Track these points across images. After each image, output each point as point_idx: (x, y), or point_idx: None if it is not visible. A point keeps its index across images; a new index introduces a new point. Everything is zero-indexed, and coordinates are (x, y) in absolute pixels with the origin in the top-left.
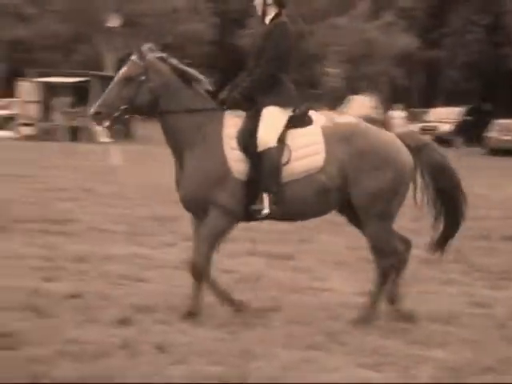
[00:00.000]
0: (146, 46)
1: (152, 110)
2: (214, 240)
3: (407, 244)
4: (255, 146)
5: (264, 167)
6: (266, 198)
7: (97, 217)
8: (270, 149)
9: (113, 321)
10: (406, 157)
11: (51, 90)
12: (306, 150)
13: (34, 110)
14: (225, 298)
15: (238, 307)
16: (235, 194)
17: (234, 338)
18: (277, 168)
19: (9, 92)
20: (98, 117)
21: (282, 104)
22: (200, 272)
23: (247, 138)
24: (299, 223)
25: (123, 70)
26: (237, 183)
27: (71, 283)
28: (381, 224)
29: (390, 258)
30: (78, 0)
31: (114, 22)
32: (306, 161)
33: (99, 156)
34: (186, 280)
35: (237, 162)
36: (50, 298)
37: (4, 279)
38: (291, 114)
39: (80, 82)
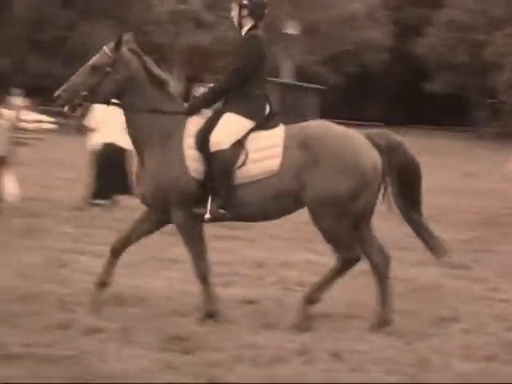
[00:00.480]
0: (124, 37)
1: (115, 100)
2: (194, 239)
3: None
4: (208, 146)
5: (214, 169)
6: (209, 201)
7: (274, 223)
8: (221, 150)
9: (289, 327)
10: (370, 158)
11: None
12: (264, 153)
13: None
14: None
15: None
16: (192, 194)
17: (410, 347)
18: (227, 170)
19: (186, 96)
20: (59, 101)
21: (244, 114)
22: (205, 276)
23: (202, 138)
24: (475, 233)
25: (93, 58)
26: (194, 182)
27: (248, 289)
28: (336, 223)
29: (348, 252)
30: None
31: (292, 28)
32: (261, 164)
33: None
34: (363, 288)
35: (193, 161)
36: (227, 303)
37: (182, 284)
38: (254, 123)
39: None
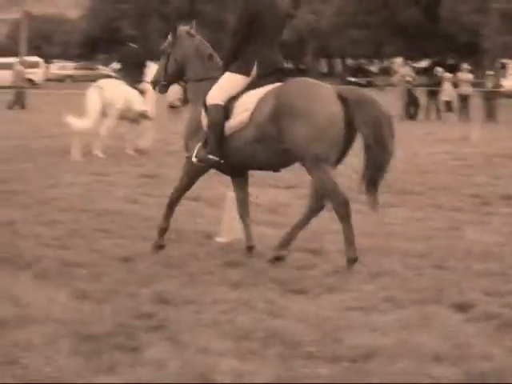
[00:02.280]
0: (182, 27)
1: (180, 77)
2: (186, 180)
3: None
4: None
5: (207, 121)
6: (197, 147)
7: None
8: (212, 105)
9: None
10: (330, 108)
11: None
12: (243, 107)
13: None
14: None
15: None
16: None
17: None
18: (216, 123)
19: None
20: (152, 85)
21: (235, 71)
22: (171, 206)
23: (204, 95)
24: None
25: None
26: (204, 134)
27: None
28: (317, 167)
29: (335, 200)
30: None
31: None
32: (239, 117)
33: None
34: None
35: (204, 118)
36: None
37: None
38: (253, 78)
39: None
